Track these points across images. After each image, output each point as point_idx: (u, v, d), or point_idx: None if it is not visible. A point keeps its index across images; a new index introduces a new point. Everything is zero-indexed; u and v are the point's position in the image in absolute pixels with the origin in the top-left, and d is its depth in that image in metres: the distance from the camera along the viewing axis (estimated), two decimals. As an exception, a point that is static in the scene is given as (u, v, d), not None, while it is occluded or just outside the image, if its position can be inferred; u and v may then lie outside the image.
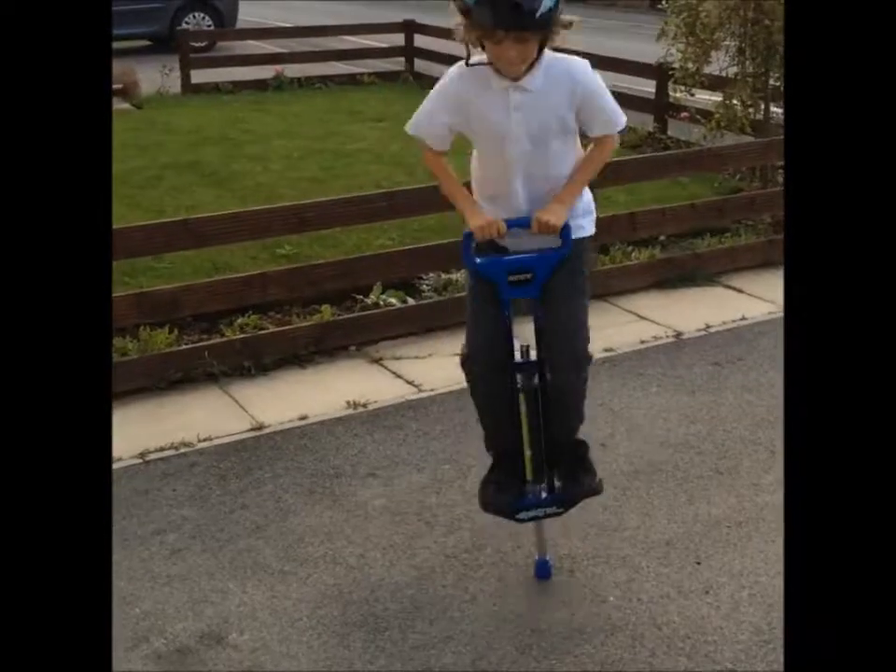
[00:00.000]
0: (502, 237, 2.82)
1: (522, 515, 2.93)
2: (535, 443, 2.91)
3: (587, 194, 2.93)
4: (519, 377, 2.88)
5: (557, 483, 2.95)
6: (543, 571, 3.07)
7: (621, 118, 2.84)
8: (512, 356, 2.87)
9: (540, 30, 2.60)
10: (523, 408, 2.88)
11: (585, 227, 2.91)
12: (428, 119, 2.89)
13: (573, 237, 2.82)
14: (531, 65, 2.70)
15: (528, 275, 2.79)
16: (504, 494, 2.95)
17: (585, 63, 2.80)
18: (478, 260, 2.83)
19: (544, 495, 2.94)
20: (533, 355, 2.89)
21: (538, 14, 2.54)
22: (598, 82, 2.80)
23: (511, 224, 2.79)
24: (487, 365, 2.89)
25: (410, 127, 2.91)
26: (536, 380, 2.89)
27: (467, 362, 2.96)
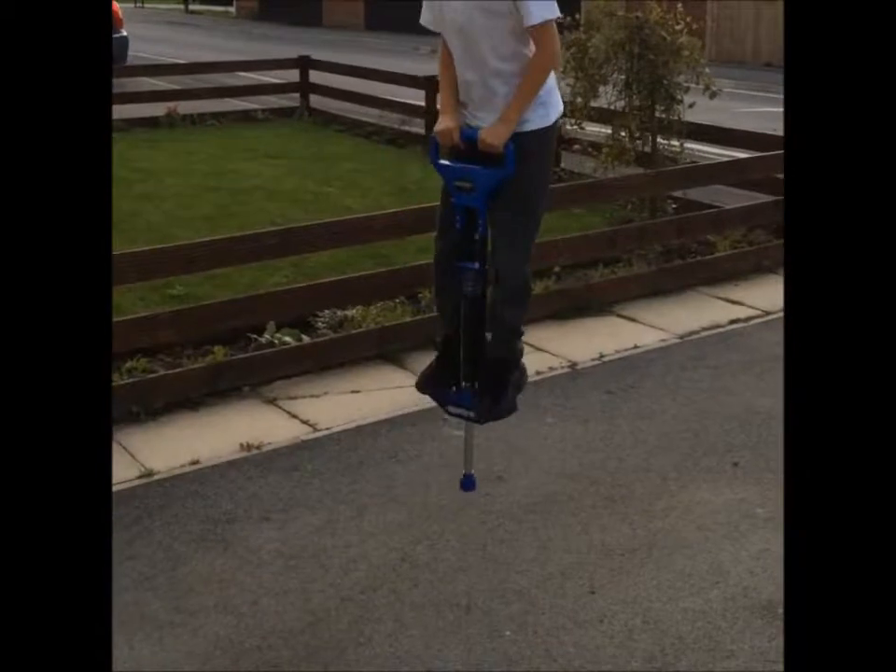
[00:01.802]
0: (456, 145, 2.93)
1: (451, 409, 3.14)
2: (468, 348, 3.05)
3: (546, 90, 2.90)
4: (467, 282, 2.99)
5: (480, 394, 3.09)
6: (469, 485, 3.27)
7: (543, 13, 2.74)
8: (459, 258, 2.98)
9: None
10: (463, 311, 3.02)
11: (531, 119, 2.88)
12: (427, 6, 2.96)
13: (524, 131, 2.85)
14: None
15: (470, 185, 2.90)
16: (439, 385, 3.14)
17: None
18: (438, 162, 2.99)
19: (470, 399, 3.09)
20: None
21: None
22: None
23: (465, 135, 2.92)
24: (445, 261, 3.05)
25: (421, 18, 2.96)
26: (479, 288, 3.00)
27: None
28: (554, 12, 2.85)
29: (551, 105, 2.97)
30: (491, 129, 2.85)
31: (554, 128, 3.02)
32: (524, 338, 3.25)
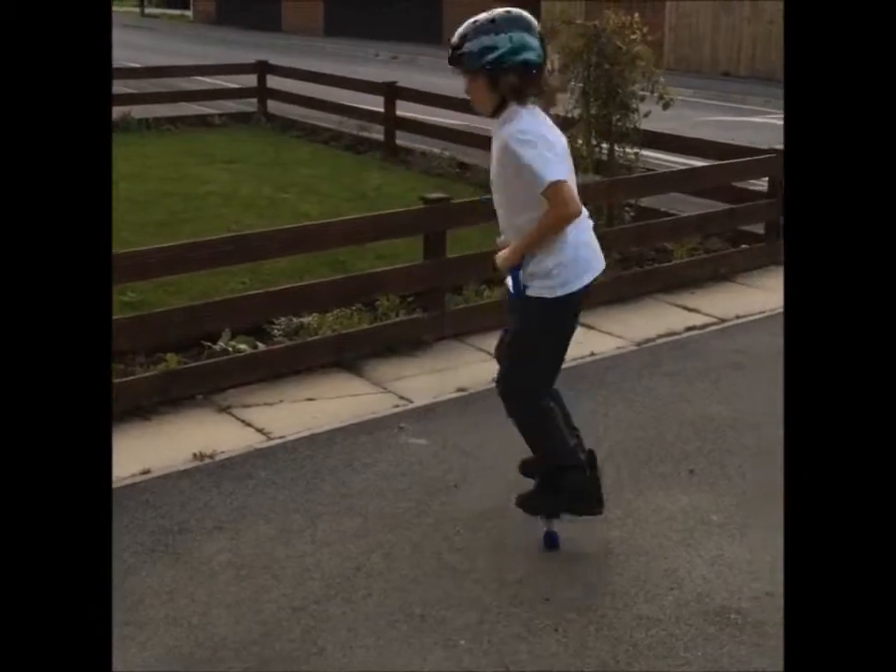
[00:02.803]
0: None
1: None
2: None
3: (548, 262, 3.16)
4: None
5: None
6: (553, 541, 3.41)
7: (543, 177, 3.03)
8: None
9: (461, 67, 3.11)
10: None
11: (536, 288, 3.19)
12: None
13: (527, 294, 3.20)
14: (497, 111, 3.15)
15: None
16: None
17: (520, 129, 3.07)
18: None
19: None
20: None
21: (459, 52, 3.09)
22: (523, 147, 3.04)
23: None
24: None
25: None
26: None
27: None
28: (555, 173, 3.04)
29: (559, 280, 3.17)
30: (500, 254, 3.27)
31: (560, 303, 3.19)
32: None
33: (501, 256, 3.27)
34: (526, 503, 3.44)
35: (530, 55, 3.08)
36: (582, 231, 3.25)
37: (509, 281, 3.33)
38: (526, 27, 3.10)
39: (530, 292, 3.21)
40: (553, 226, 3.13)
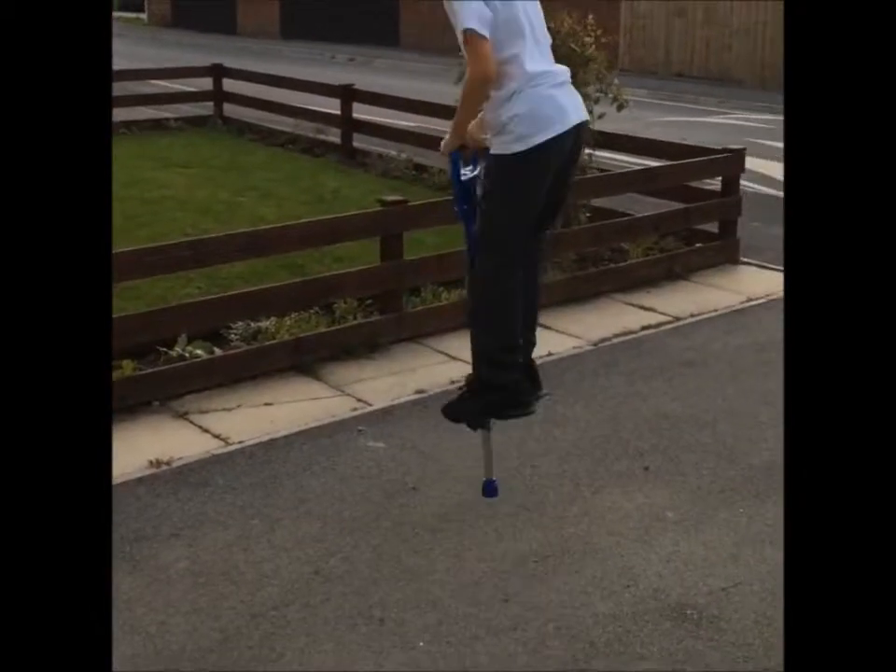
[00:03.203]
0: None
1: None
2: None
3: (502, 115, 3.04)
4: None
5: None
6: (490, 490, 3.46)
7: (461, 22, 2.91)
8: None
9: None
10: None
11: (495, 145, 3.07)
12: None
13: (490, 152, 3.10)
14: None
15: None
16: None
17: None
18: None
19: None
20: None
21: None
22: None
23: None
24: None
25: None
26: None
27: None
28: (475, 23, 2.89)
29: (514, 134, 3.02)
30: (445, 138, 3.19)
31: (520, 158, 3.03)
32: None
33: (445, 138, 3.18)
34: (450, 408, 3.34)
35: None
36: (546, 85, 3.06)
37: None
38: None
39: (491, 150, 3.09)
40: (469, 87, 2.96)
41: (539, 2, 3.27)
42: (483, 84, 2.97)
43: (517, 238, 3.18)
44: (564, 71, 3.18)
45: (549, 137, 3.05)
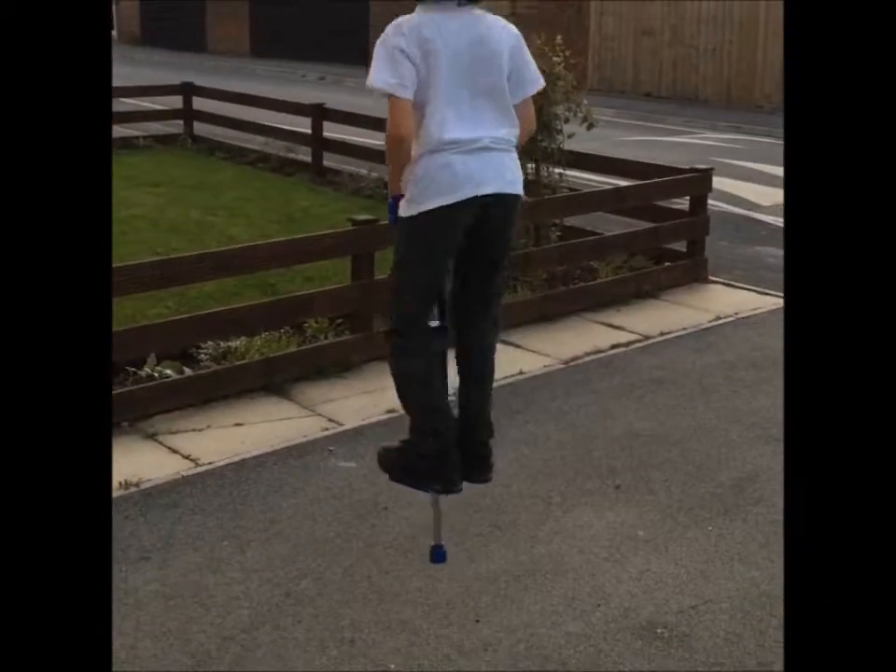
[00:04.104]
0: None
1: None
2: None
3: (407, 177, 2.98)
4: None
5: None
6: (439, 557, 3.23)
7: (372, 78, 2.96)
8: None
9: None
10: None
11: (401, 209, 3.04)
12: None
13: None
14: None
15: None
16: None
17: (398, 21, 3.00)
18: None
19: None
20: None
21: None
22: (378, 43, 2.97)
23: None
24: None
25: None
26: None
27: None
28: (387, 82, 2.91)
29: (407, 196, 2.98)
30: None
31: (413, 222, 2.97)
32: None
33: None
34: (384, 456, 3.25)
35: None
36: (451, 152, 2.94)
37: None
38: None
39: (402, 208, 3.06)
40: (387, 146, 2.98)
41: (523, 50, 3.25)
42: (397, 144, 2.95)
43: (419, 314, 3.07)
44: (496, 139, 2.99)
45: (440, 205, 2.93)
